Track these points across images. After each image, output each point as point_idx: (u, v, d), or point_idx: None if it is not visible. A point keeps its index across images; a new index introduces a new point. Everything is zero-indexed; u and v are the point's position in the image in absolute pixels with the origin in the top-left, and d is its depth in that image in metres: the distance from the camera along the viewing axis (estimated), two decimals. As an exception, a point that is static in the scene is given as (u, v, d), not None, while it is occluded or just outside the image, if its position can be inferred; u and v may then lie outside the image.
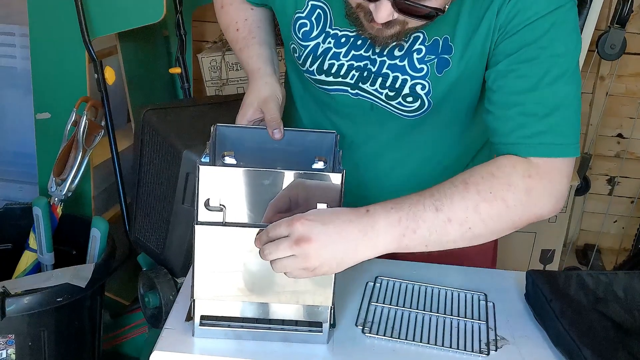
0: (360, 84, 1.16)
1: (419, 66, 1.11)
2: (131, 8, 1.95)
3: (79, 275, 1.68)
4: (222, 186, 0.95)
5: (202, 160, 0.97)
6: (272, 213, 0.97)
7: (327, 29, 1.14)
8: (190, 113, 1.71)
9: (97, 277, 1.71)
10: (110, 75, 1.97)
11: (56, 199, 1.88)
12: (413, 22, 1.00)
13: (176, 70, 2.32)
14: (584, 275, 1.20)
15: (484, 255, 1.41)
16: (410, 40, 1.10)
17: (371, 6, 0.98)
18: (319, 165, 1.02)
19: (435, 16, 0.98)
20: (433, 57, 1.10)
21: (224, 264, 0.98)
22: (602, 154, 2.88)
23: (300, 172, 0.96)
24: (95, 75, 1.95)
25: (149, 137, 1.62)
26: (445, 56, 1.10)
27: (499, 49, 1.06)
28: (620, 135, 2.86)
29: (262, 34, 1.26)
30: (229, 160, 0.97)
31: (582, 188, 2.74)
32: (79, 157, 1.86)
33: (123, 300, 2.17)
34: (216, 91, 2.56)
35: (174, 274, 1.61)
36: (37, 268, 1.89)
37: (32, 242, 1.88)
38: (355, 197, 1.27)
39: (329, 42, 1.15)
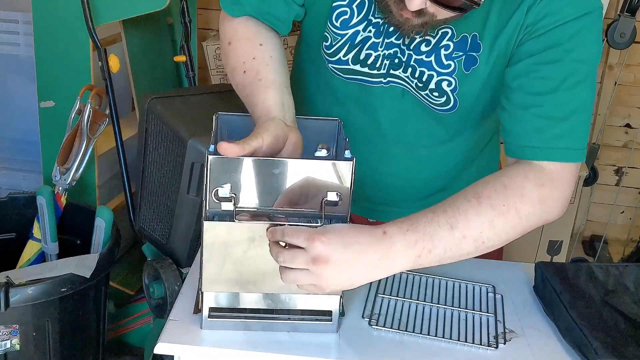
0: (391, 71, 1.14)
1: (446, 62, 1.09)
2: (135, -5, 1.95)
3: (84, 265, 1.67)
4: (231, 176, 0.94)
5: (210, 150, 0.96)
6: (284, 204, 0.96)
7: (370, 17, 1.12)
8: (196, 102, 1.69)
9: (101, 267, 1.70)
10: (114, 63, 1.96)
11: (60, 188, 1.88)
12: (442, 14, 0.98)
13: (181, 58, 2.31)
14: (594, 267, 1.19)
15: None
16: (439, 35, 1.09)
17: None
18: (322, 152, 1.00)
19: (469, 9, 0.96)
20: (461, 54, 1.09)
21: (232, 257, 0.97)
22: (610, 144, 2.86)
23: (311, 160, 0.95)
24: (100, 63, 1.93)
25: (154, 126, 1.61)
26: (473, 54, 1.08)
27: (523, 48, 1.05)
28: (628, 125, 2.84)
29: (270, 73, 1.08)
30: None
31: (590, 179, 2.72)
32: (83, 145, 1.85)
33: (128, 290, 2.16)
34: (221, 79, 2.55)
35: (179, 264, 1.61)
36: (41, 258, 1.89)
37: (36, 231, 1.88)
38: (370, 189, 1.26)
39: (370, 31, 1.12)
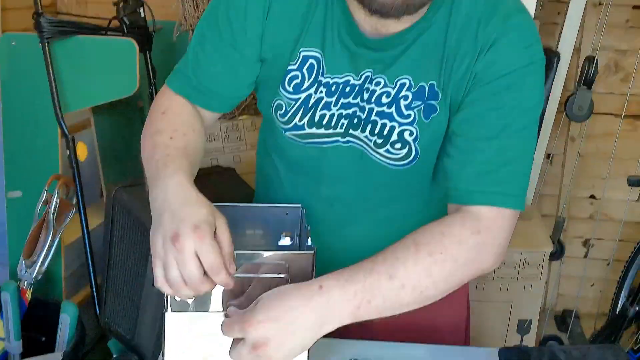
0: (350, 131, 1.16)
1: (406, 112, 1.12)
2: (104, 82, 1.97)
3: (48, 364, 1.64)
4: None
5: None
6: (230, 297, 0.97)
7: (320, 78, 1.14)
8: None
9: (66, 365, 1.67)
10: (82, 151, 1.97)
11: (26, 282, 1.84)
12: None
13: (150, 143, 2.31)
14: (556, 351, 1.20)
15: (456, 331, 1.39)
16: (397, 87, 1.12)
17: None
18: (286, 241, 1.02)
19: None
20: (419, 103, 1.12)
21: (195, 350, 0.97)
22: (576, 216, 2.88)
23: (273, 252, 0.96)
24: (67, 152, 1.94)
25: (120, 216, 1.61)
26: (432, 102, 1.11)
27: (470, 96, 1.08)
28: (592, 197, 2.87)
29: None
30: None
31: (557, 253, 2.70)
32: (49, 238, 1.83)
33: (94, 388, 2.11)
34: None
35: (144, 360, 1.58)
36: (4, 358, 1.84)
37: (-1, 329, 1.84)
38: (336, 253, 1.26)
39: (321, 92, 1.15)
